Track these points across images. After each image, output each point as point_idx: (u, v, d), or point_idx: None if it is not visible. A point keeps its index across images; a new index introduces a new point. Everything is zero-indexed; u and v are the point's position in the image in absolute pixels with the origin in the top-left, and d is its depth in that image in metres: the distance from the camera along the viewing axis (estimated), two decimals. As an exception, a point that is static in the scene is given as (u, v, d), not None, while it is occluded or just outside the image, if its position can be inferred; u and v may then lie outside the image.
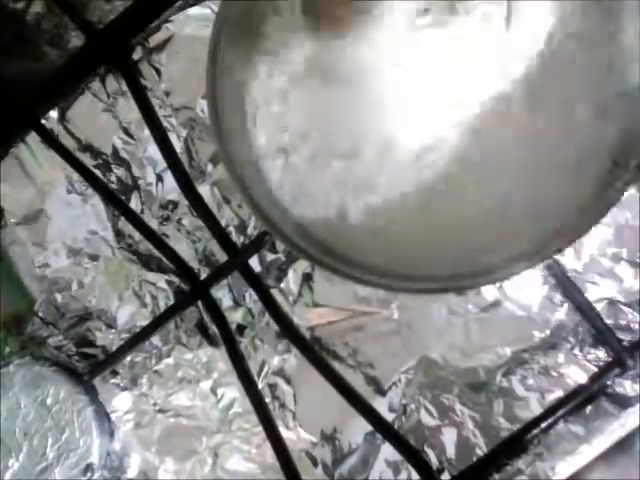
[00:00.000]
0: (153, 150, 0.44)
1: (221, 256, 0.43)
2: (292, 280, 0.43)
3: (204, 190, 0.44)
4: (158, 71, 0.45)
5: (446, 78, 0.35)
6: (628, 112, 0.33)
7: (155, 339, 0.44)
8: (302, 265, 0.43)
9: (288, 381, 0.43)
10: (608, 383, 0.39)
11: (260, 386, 0.42)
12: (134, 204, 0.45)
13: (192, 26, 0.45)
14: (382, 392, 0.41)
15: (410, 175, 0.35)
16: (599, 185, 0.33)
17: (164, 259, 0.44)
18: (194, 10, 0.45)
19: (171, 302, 0.44)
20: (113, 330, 0.45)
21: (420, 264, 0.34)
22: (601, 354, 0.39)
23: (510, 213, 0.34)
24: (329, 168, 0.36)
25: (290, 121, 0.36)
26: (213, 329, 0.44)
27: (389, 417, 0.41)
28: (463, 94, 0.35)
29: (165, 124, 0.44)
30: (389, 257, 0.34)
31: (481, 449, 0.40)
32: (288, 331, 0.42)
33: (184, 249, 0.44)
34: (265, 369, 0.43)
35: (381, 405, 0.41)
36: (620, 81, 0.34)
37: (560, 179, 0.34)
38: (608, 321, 0.39)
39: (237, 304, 0.44)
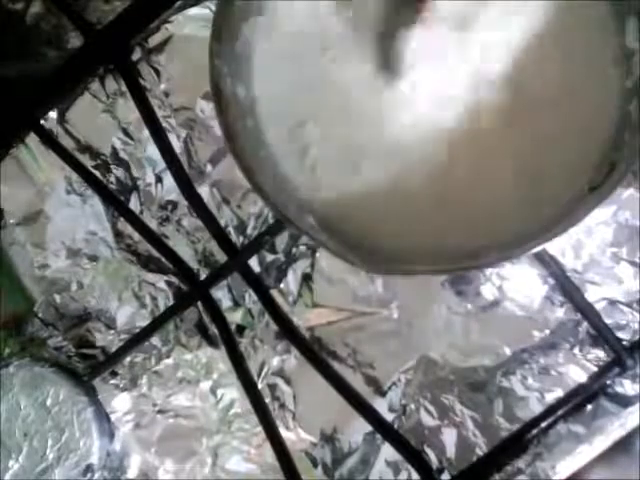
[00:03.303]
0: (152, 150, 0.44)
1: (220, 257, 0.43)
2: (292, 280, 0.43)
3: (203, 190, 0.44)
4: (157, 71, 0.45)
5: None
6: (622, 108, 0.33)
7: (155, 340, 0.44)
8: (302, 265, 0.43)
9: (288, 381, 0.43)
10: (608, 383, 0.39)
11: (260, 386, 0.42)
12: (133, 205, 0.45)
13: (191, 26, 0.45)
14: (382, 392, 0.41)
15: (411, 153, 0.35)
16: (588, 182, 0.33)
17: (163, 260, 0.44)
18: (193, 10, 0.45)
19: (171, 303, 0.44)
20: (112, 331, 0.45)
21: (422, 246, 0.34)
22: (601, 354, 0.39)
23: (506, 196, 0.34)
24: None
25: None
26: (213, 330, 0.44)
27: (389, 417, 0.41)
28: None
29: (164, 124, 0.44)
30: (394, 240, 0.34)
31: (481, 449, 0.40)
32: (288, 331, 0.42)
33: (183, 250, 0.44)
34: (265, 369, 0.43)
35: (381, 405, 0.41)
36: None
37: (556, 172, 0.34)
38: (608, 321, 0.39)
39: (237, 304, 0.44)
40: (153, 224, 0.45)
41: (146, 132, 0.44)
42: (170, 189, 0.45)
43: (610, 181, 0.31)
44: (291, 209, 0.35)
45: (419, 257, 0.34)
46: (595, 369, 0.39)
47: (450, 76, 0.35)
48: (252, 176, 0.34)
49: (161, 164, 0.44)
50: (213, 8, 0.44)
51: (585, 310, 0.38)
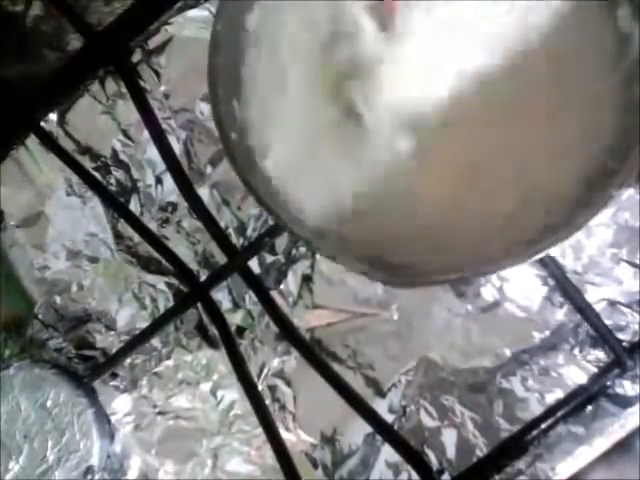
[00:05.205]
0: (152, 152, 0.44)
1: (220, 258, 0.43)
2: (292, 282, 0.43)
3: (203, 192, 0.44)
4: (157, 73, 0.45)
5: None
6: (623, 109, 0.33)
7: (155, 341, 0.44)
8: (301, 267, 0.43)
9: (288, 383, 0.43)
10: (608, 384, 0.39)
11: (260, 388, 0.42)
12: (133, 206, 0.45)
13: (191, 28, 0.45)
14: (382, 393, 0.41)
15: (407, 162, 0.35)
16: (591, 185, 0.32)
17: (163, 261, 0.44)
18: (193, 12, 0.45)
19: (171, 304, 0.44)
20: (113, 332, 0.45)
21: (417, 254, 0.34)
22: (601, 355, 0.39)
23: (508, 202, 0.34)
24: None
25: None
26: (213, 331, 0.44)
27: (389, 418, 0.41)
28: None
29: (164, 126, 0.44)
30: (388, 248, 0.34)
31: (481, 450, 0.40)
32: (288, 333, 0.42)
33: (183, 251, 0.44)
34: (265, 371, 0.43)
35: (381, 406, 0.41)
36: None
37: (554, 171, 0.34)
38: (608, 322, 0.39)
39: (237, 306, 0.44)
40: (153, 225, 0.45)
41: (146, 134, 0.44)
42: (170, 191, 0.45)
43: (613, 182, 0.31)
44: (290, 216, 0.34)
45: (420, 266, 0.33)
46: (595, 370, 0.39)
47: (438, 74, 0.35)
48: (249, 184, 0.34)
49: (161, 166, 0.44)
50: (213, 10, 0.44)
51: (585, 311, 0.38)
